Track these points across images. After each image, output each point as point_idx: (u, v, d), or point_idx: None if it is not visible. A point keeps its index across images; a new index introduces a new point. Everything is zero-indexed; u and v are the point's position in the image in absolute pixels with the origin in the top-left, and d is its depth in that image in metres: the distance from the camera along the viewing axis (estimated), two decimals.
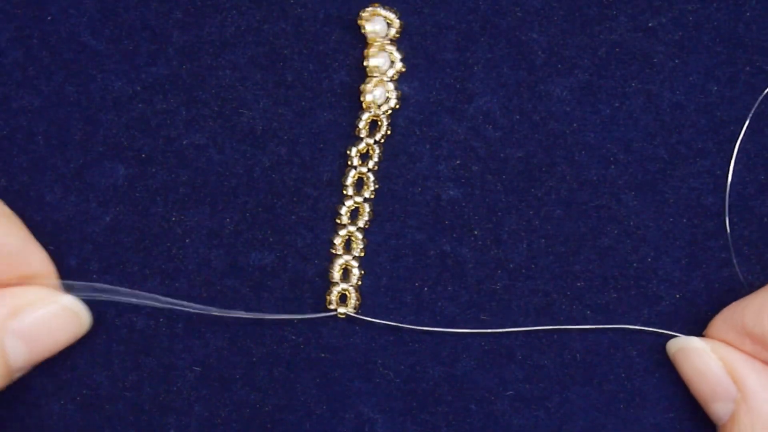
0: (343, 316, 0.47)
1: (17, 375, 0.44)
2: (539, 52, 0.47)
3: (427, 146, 0.48)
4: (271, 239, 0.48)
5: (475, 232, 0.48)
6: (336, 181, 0.48)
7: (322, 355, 0.48)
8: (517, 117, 0.48)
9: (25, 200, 0.48)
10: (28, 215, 0.47)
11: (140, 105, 0.48)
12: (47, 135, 0.48)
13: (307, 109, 0.48)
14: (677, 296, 0.48)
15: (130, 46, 0.48)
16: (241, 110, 0.48)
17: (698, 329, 0.48)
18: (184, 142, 0.48)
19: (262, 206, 0.48)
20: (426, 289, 0.48)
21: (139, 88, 0.48)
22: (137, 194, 0.48)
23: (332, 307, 0.47)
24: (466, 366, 0.48)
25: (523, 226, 0.48)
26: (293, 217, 0.48)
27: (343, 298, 0.47)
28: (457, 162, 0.48)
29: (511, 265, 0.48)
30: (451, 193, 0.48)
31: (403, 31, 0.47)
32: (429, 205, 0.48)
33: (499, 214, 0.48)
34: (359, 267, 0.47)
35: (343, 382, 0.48)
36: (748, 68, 0.47)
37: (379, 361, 0.48)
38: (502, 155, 0.48)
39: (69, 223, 0.48)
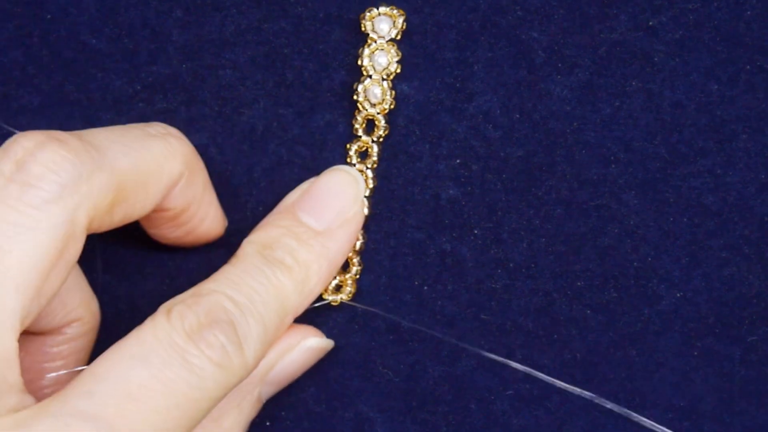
0: (337, 304, 0.47)
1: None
2: (539, 51, 0.47)
3: (427, 146, 0.48)
4: None
5: (475, 232, 0.48)
6: None
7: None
8: (517, 116, 0.48)
9: None
10: None
11: (140, 104, 0.48)
12: None
13: (307, 109, 0.48)
14: (677, 296, 0.48)
15: (130, 45, 0.48)
16: (241, 110, 0.48)
17: (698, 329, 0.48)
18: None
19: (262, 206, 0.48)
20: (426, 288, 0.48)
21: (139, 88, 0.48)
22: None
23: (327, 296, 0.47)
24: (466, 365, 0.48)
25: (523, 225, 0.48)
26: None
27: (338, 288, 0.47)
28: (457, 161, 0.48)
29: (511, 265, 0.48)
30: (451, 192, 0.48)
31: (404, 31, 0.47)
32: (428, 204, 0.48)
33: (499, 213, 0.48)
34: (359, 261, 0.47)
35: (342, 380, 0.48)
36: (748, 67, 0.47)
37: (379, 360, 0.48)
38: (502, 155, 0.48)
39: None
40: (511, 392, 0.48)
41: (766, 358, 0.48)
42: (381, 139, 0.47)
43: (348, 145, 0.47)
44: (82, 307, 0.45)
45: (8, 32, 0.48)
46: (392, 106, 0.47)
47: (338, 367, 0.48)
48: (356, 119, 0.47)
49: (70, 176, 0.39)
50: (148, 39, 0.48)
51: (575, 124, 0.48)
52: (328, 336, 0.48)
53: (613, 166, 0.47)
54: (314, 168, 0.48)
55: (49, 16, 0.48)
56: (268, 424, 0.48)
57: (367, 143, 0.47)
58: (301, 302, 0.44)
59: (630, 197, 0.47)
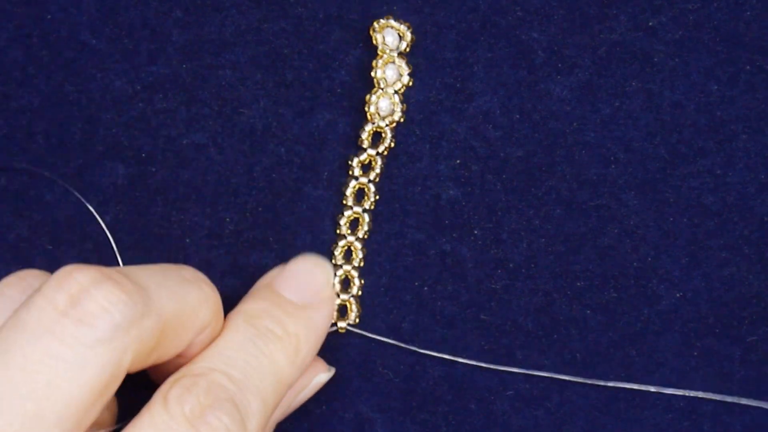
0: (343, 331, 0.47)
1: None
2: (539, 52, 0.47)
3: (427, 146, 0.48)
4: (271, 239, 0.48)
5: (475, 232, 0.48)
6: (336, 181, 0.48)
7: (321, 354, 0.48)
8: (517, 116, 0.48)
9: (25, 200, 0.48)
10: (28, 215, 0.47)
11: (140, 104, 0.48)
12: (47, 135, 0.48)
13: (307, 109, 0.48)
14: (677, 296, 0.48)
15: (130, 46, 0.48)
16: (241, 110, 0.48)
17: (698, 329, 0.48)
18: (184, 142, 0.48)
19: (262, 206, 0.48)
20: (426, 288, 0.48)
21: (139, 88, 0.48)
22: (137, 194, 0.48)
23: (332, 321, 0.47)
24: (465, 366, 0.48)
25: (523, 225, 0.48)
26: (293, 217, 0.48)
27: (342, 311, 0.47)
28: (457, 162, 0.48)
29: (511, 265, 0.48)
30: (451, 192, 0.48)
31: (414, 45, 0.47)
32: (429, 204, 0.48)
33: (499, 213, 0.48)
34: (359, 277, 0.47)
35: (342, 380, 0.48)
36: (748, 68, 0.47)
37: (378, 361, 0.48)
38: (502, 155, 0.48)
39: (69, 223, 0.48)
40: (511, 392, 0.48)
41: (766, 358, 0.48)
42: (386, 152, 0.47)
43: (351, 157, 0.47)
44: (104, 409, 0.44)
45: (8, 32, 0.48)
46: (402, 120, 0.47)
47: (338, 367, 0.48)
48: (364, 131, 0.47)
49: (124, 318, 0.38)
50: (148, 39, 0.48)
51: (575, 124, 0.48)
52: (328, 336, 0.48)
53: (613, 166, 0.48)
54: (314, 168, 0.48)
55: (49, 16, 0.48)
56: None
57: (372, 156, 0.47)
58: (294, 373, 0.44)
59: (630, 197, 0.47)
